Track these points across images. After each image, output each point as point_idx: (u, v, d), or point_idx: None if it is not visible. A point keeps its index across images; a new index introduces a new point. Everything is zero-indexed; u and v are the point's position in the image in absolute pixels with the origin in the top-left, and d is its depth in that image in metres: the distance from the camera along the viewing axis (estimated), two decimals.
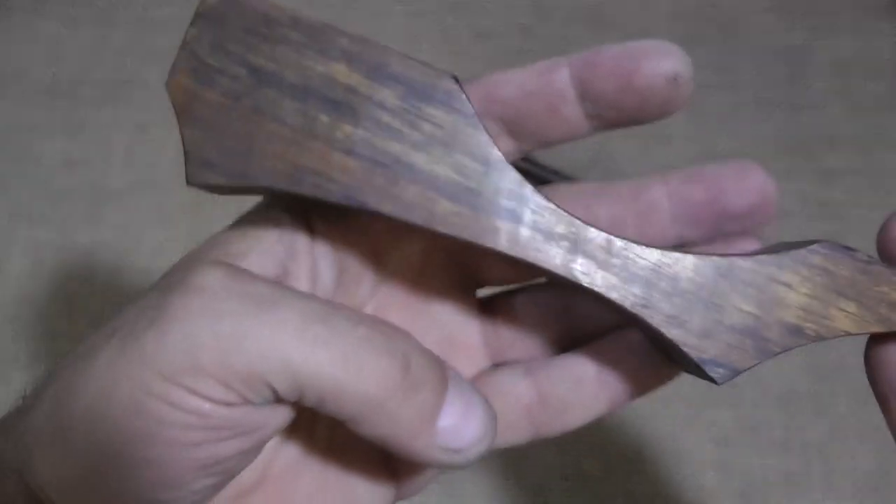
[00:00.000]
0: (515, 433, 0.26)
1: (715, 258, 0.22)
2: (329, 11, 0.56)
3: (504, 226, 0.21)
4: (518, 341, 0.26)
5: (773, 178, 0.25)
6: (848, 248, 0.22)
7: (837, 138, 0.53)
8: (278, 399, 0.19)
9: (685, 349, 0.21)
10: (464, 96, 0.21)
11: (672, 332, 0.21)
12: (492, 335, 0.27)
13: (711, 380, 0.22)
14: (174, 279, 0.19)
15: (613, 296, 0.21)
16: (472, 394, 0.21)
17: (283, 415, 0.20)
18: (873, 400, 0.23)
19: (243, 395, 0.18)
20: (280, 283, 0.20)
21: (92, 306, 0.48)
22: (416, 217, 0.20)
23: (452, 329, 0.26)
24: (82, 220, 0.50)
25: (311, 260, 0.23)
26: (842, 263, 0.22)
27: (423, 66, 0.21)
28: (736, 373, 0.22)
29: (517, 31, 0.57)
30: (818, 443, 0.44)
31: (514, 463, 0.44)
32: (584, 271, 0.21)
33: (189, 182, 0.21)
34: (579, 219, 0.21)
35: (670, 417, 0.45)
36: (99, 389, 0.18)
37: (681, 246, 0.25)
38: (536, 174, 0.49)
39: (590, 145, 0.53)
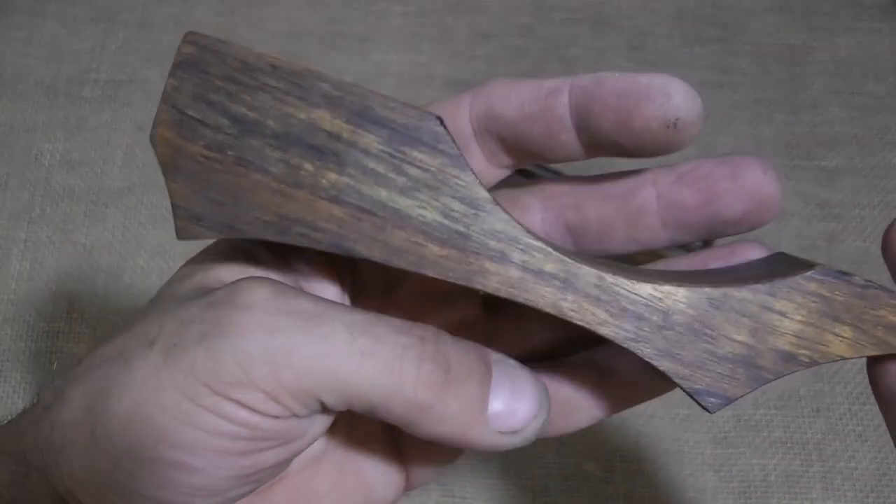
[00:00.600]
0: None
1: (707, 289, 0.22)
2: (329, 12, 0.56)
3: (493, 267, 0.21)
4: (522, 343, 0.27)
5: (775, 173, 0.24)
6: (843, 273, 0.22)
7: (837, 138, 0.53)
8: (324, 410, 0.20)
9: (677, 380, 0.22)
10: (449, 138, 0.21)
11: (663, 365, 0.21)
12: (496, 336, 0.27)
13: (705, 408, 0.22)
14: (220, 296, 0.19)
15: (604, 331, 0.21)
16: (518, 373, 0.21)
17: (325, 422, 0.21)
18: (873, 400, 0.23)
19: (292, 408, 0.19)
20: (321, 298, 0.20)
21: (92, 306, 0.48)
22: (405, 262, 0.20)
23: (459, 330, 0.26)
24: (82, 220, 0.50)
25: (322, 276, 0.23)
26: (837, 288, 0.22)
27: (407, 108, 0.21)
28: (728, 401, 0.22)
29: (517, 31, 0.57)
30: (818, 443, 0.44)
31: (514, 463, 0.44)
32: (575, 309, 0.21)
33: (179, 236, 0.21)
34: (570, 255, 0.21)
35: (670, 417, 0.45)
36: (142, 396, 0.18)
37: (682, 247, 0.25)
38: (535, 174, 0.49)
39: None
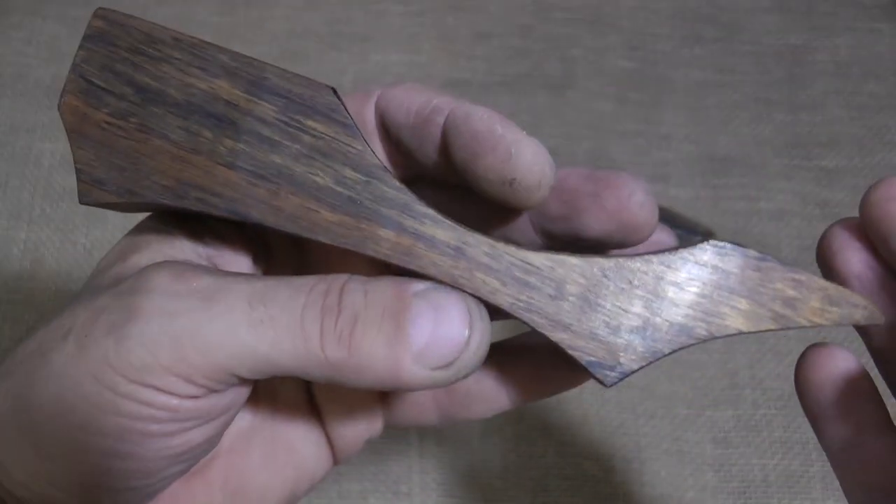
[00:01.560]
0: (423, 415, 0.25)
1: (600, 259, 0.22)
2: (329, 12, 0.56)
3: (385, 234, 0.21)
4: None
5: (646, 196, 0.22)
6: (738, 245, 0.22)
7: (837, 138, 0.53)
8: (242, 381, 0.20)
9: (571, 352, 0.21)
10: (343, 108, 0.21)
11: (556, 335, 0.21)
12: None
13: (600, 382, 0.21)
14: (126, 285, 0.20)
15: (496, 300, 0.21)
16: (444, 298, 0.20)
17: (246, 392, 0.21)
18: None
19: (207, 385, 0.19)
20: (222, 272, 0.20)
21: None
22: (298, 228, 0.21)
23: None
24: (82, 220, 0.50)
25: (236, 251, 0.23)
26: (732, 260, 0.22)
27: (303, 79, 0.21)
28: (625, 375, 0.21)
29: (517, 31, 0.57)
30: (818, 443, 0.44)
31: (514, 463, 0.44)
32: (466, 277, 0.21)
33: (81, 201, 0.21)
34: (462, 225, 0.21)
35: (670, 417, 0.45)
36: (63, 387, 0.19)
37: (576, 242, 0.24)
38: None
39: (588, 146, 0.53)
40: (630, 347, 0.21)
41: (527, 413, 0.45)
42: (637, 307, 0.21)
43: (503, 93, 0.54)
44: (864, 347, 0.23)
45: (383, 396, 0.26)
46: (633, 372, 0.21)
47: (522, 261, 0.21)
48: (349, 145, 0.21)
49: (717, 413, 0.45)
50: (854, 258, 0.21)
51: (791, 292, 0.21)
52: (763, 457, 0.44)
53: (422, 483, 0.43)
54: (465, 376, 0.20)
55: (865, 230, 0.20)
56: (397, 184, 0.21)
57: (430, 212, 0.21)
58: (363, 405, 0.25)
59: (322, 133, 0.21)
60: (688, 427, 0.45)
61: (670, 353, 0.21)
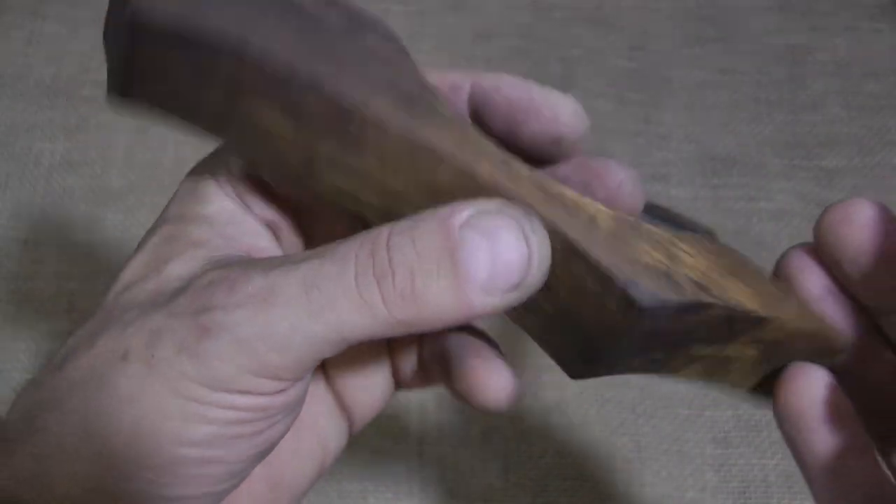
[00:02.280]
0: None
1: (621, 212, 0.21)
2: None
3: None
4: None
5: (639, 186, 0.23)
6: (735, 250, 0.22)
7: (837, 138, 0.53)
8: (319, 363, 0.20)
9: (615, 271, 0.20)
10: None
11: (595, 255, 0.20)
12: None
13: (638, 304, 0.19)
14: (181, 306, 0.19)
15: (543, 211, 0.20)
16: (492, 222, 0.19)
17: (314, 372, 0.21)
18: None
19: (293, 378, 0.19)
20: (265, 263, 0.20)
21: (92, 306, 0.48)
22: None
23: None
24: (82, 220, 0.50)
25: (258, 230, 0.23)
26: (731, 255, 0.22)
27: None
28: (662, 303, 0.20)
29: (517, 31, 0.57)
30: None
31: (514, 463, 0.44)
32: (514, 184, 0.20)
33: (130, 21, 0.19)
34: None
35: (670, 417, 0.45)
36: (138, 410, 0.19)
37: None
38: None
39: (589, 146, 0.53)
40: (660, 280, 0.20)
41: (527, 413, 0.45)
42: (659, 254, 0.21)
43: None
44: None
45: (394, 359, 0.25)
46: (669, 302, 0.20)
47: (559, 191, 0.21)
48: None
49: (717, 413, 0.45)
50: (812, 282, 0.21)
51: (776, 291, 0.21)
52: (763, 457, 0.44)
53: (422, 483, 0.43)
54: (538, 287, 0.20)
55: (820, 254, 0.21)
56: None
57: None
58: (375, 370, 0.25)
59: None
60: (688, 427, 0.45)
61: (690, 302, 0.20)
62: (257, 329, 0.18)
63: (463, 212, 0.19)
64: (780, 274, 0.22)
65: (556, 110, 0.21)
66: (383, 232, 0.19)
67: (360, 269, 0.19)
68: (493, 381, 0.22)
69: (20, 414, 0.20)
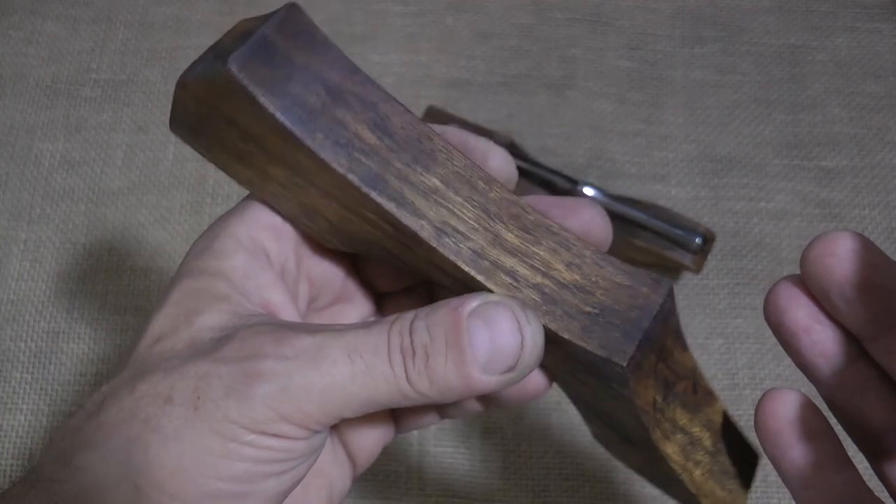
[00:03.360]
0: (426, 418, 0.28)
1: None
2: (329, 11, 0.56)
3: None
4: None
5: (607, 220, 0.27)
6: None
7: (837, 138, 0.53)
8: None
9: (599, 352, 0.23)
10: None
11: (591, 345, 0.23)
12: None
13: (619, 368, 0.23)
14: (230, 353, 0.22)
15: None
16: (492, 311, 0.22)
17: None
18: None
19: (320, 427, 0.22)
20: (313, 328, 0.23)
21: (92, 306, 0.48)
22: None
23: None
24: (82, 220, 0.50)
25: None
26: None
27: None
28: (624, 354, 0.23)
29: (517, 31, 0.57)
30: None
31: (514, 463, 0.44)
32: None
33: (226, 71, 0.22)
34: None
35: None
36: (184, 446, 0.21)
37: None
38: (536, 174, 0.49)
39: (589, 146, 0.53)
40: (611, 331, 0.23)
41: (527, 413, 0.45)
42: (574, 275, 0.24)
43: (503, 93, 0.54)
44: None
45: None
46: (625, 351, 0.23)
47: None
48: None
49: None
50: (801, 313, 0.22)
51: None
52: (763, 457, 0.44)
53: (421, 483, 0.43)
54: (532, 370, 0.23)
55: (807, 285, 0.22)
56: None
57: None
58: (379, 418, 0.27)
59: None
60: None
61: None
62: (304, 381, 0.21)
63: (472, 303, 0.22)
64: (769, 306, 0.23)
65: (486, 155, 0.25)
66: (408, 317, 0.22)
67: (392, 345, 0.22)
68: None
69: (56, 456, 0.22)
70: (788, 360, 0.24)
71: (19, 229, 0.50)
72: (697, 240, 0.46)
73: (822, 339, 0.22)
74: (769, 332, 0.24)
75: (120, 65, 0.55)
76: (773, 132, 0.53)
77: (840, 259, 0.21)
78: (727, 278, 0.49)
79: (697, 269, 0.46)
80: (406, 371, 0.22)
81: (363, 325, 0.23)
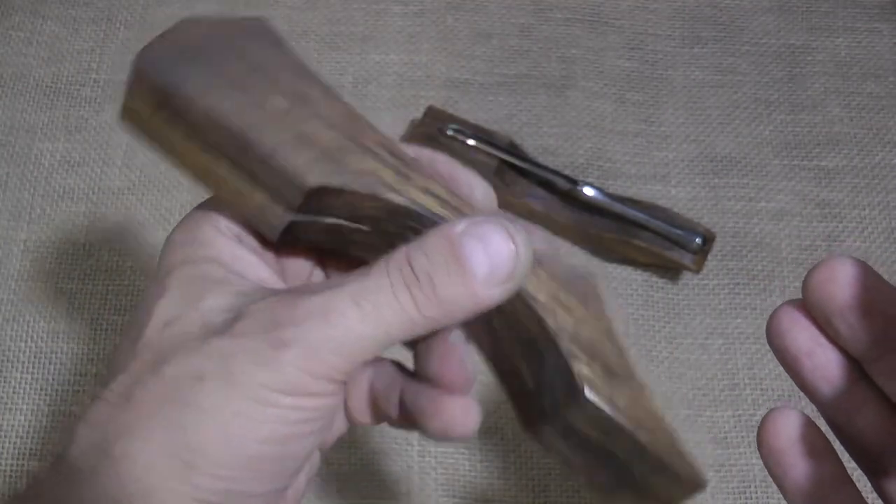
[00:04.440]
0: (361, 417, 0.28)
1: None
2: (329, 12, 0.56)
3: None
4: None
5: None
6: None
7: (837, 138, 0.53)
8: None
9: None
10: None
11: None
12: None
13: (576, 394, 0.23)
14: (246, 327, 0.23)
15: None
16: (483, 228, 0.23)
17: None
18: None
19: (345, 378, 0.23)
20: (316, 287, 0.24)
21: (92, 306, 0.48)
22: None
23: None
24: (82, 220, 0.50)
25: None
26: None
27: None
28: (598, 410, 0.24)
29: (517, 31, 0.57)
30: None
31: (514, 463, 0.44)
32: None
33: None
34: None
35: (670, 417, 0.45)
36: (225, 418, 0.22)
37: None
38: (535, 174, 0.49)
39: (589, 146, 0.53)
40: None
41: None
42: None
43: (503, 93, 0.54)
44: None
45: (347, 398, 0.28)
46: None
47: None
48: None
49: (716, 413, 0.45)
50: (802, 336, 0.23)
51: None
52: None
53: (422, 483, 0.43)
54: (525, 275, 0.24)
55: (809, 309, 0.23)
56: None
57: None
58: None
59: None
60: (688, 427, 0.45)
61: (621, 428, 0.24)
62: (323, 336, 0.22)
63: (459, 224, 0.23)
64: (772, 330, 0.23)
65: (470, 185, 0.26)
66: (402, 251, 0.23)
67: (394, 280, 0.23)
68: (458, 415, 0.25)
69: (87, 448, 0.23)
70: None
71: (19, 229, 0.50)
72: (697, 240, 0.46)
73: (823, 362, 0.23)
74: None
75: (120, 65, 0.55)
76: (773, 132, 0.53)
77: (841, 284, 0.21)
78: (727, 278, 0.49)
79: (697, 269, 0.46)
80: (414, 299, 0.23)
81: (361, 273, 0.24)
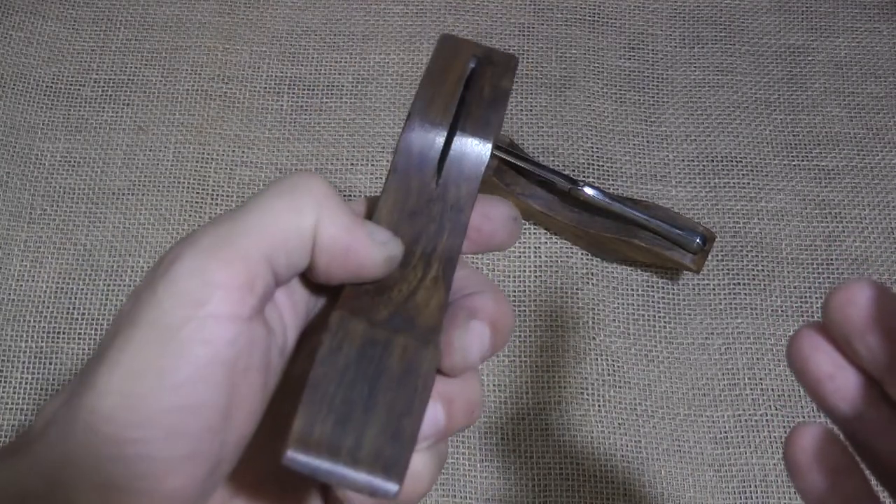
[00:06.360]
0: None
1: None
2: (329, 11, 0.56)
3: None
4: None
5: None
6: None
7: (837, 138, 0.53)
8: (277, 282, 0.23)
9: None
10: None
11: None
12: None
13: None
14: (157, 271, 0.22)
15: None
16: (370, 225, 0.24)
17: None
18: None
19: (255, 290, 0.22)
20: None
21: (92, 306, 0.48)
22: None
23: None
24: (82, 220, 0.50)
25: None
26: None
27: None
28: None
29: (517, 31, 0.57)
30: None
31: (514, 463, 0.44)
32: None
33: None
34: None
35: (670, 417, 0.45)
36: (128, 366, 0.20)
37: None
38: (535, 174, 0.49)
39: (588, 146, 0.53)
40: None
41: (527, 413, 0.45)
42: None
43: None
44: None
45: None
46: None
47: None
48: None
49: (716, 413, 0.45)
50: (824, 359, 0.23)
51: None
52: (763, 457, 0.44)
53: None
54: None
55: (829, 332, 0.23)
56: None
57: None
58: None
59: None
60: (688, 427, 0.45)
61: None
62: (221, 232, 0.23)
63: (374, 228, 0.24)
64: (793, 353, 0.24)
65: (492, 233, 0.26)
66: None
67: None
68: None
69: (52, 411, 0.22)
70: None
71: (19, 229, 0.50)
72: (697, 240, 0.46)
73: (844, 384, 0.23)
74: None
75: (120, 65, 0.55)
76: (773, 132, 0.53)
77: (860, 307, 0.22)
78: (727, 278, 0.49)
79: (697, 269, 0.46)
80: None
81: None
